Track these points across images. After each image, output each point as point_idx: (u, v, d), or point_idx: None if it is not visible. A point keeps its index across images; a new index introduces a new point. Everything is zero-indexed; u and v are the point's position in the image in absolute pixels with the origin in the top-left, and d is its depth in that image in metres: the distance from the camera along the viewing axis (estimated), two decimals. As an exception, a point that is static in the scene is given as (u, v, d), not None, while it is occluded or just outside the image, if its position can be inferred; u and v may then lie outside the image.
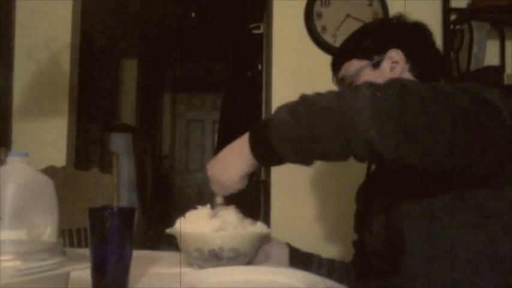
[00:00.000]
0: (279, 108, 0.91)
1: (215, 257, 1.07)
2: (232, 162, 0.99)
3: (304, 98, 0.88)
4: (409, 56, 1.18)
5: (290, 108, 0.88)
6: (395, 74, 1.17)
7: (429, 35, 1.21)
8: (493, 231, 0.92)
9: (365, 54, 1.20)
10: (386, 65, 1.18)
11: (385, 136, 0.77)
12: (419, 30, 1.21)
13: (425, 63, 1.20)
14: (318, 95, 0.88)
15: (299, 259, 1.25)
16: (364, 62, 1.20)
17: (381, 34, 1.22)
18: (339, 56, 1.26)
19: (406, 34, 1.21)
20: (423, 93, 0.81)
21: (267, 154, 0.93)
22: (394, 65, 1.18)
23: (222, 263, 1.06)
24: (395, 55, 1.18)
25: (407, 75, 1.18)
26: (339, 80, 1.25)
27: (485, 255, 0.92)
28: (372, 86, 0.83)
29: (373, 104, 0.79)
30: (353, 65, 1.21)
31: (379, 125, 0.77)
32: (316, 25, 2.33)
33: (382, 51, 1.19)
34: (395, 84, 0.83)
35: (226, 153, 1.01)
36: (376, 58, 1.19)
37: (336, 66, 1.27)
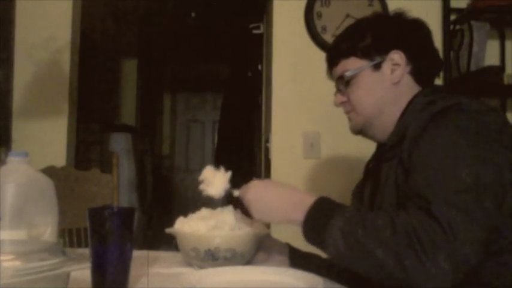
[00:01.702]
0: (333, 226, 0.92)
1: (211, 257, 1.08)
2: (283, 215, 1.01)
3: (356, 239, 0.88)
4: (411, 59, 1.14)
5: (346, 240, 0.89)
6: (396, 77, 1.14)
7: (429, 33, 1.18)
8: (497, 245, 0.93)
9: (365, 54, 1.15)
10: (387, 67, 1.14)
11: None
12: (421, 29, 1.18)
13: (426, 65, 1.17)
14: (375, 230, 0.87)
15: (299, 259, 1.24)
16: (364, 62, 1.15)
17: (382, 33, 1.17)
18: (337, 52, 1.20)
19: (409, 35, 1.16)
20: (470, 235, 0.84)
21: (316, 245, 0.97)
22: (394, 67, 1.14)
23: (219, 263, 1.06)
24: (397, 57, 1.14)
25: (407, 79, 1.15)
26: (338, 79, 1.20)
27: (488, 269, 0.92)
28: (427, 240, 0.83)
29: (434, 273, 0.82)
30: (352, 64, 1.16)
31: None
32: (316, 25, 2.33)
33: (384, 52, 1.14)
34: (442, 238, 0.83)
35: (282, 204, 1.02)
36: (377, 59, 1.15)
37: (332, 62, 1.22)
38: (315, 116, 2.29)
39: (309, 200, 0.97)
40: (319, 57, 2.29)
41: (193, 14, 4.75)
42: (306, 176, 2.27)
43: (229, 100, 4.62)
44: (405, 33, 1.16)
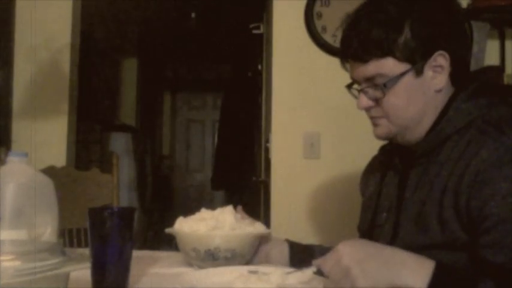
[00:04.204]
0: None
1: (211, 257, 1.08)
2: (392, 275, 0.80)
3: None
4: (454, 60, 0.98)
5: None
6: (439, 84, 0.99)
7: (464, 19, 1.04)
8: None
9: (406, 55, 0.97)
10: (429, 71, 0.98)
11: None
12: (461, 17, 1.02)
13: (466, 62, 1.03)
14: None
15: (300, 252, 1.21)
16: (404, 66, 0.97)
17: (426, 28, 0.97)
18: (367, 47, 0.98)
19: (454, 30, 1.00)
20: None
21: None
22: (437, 69, 0.98)
23: (219, 263, 1.07)
24: (441, 59, 0.97)
25: (447, 82, 1.00)
26: (365, 79, 1.02)
27: None
28: None
29: None
30: (388, 67, 0.98)
31: None
32: (316, 25, 2.33)
33: (428, 53, 0.97)
34: None
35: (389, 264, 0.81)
36: (419, 61, 0.97)
37: (361, 58, 1.00)
38: (315, 116, 2.29)
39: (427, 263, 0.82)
40: (319, 57, 2.32)
41: (193, 15, 4.75)
42: (306, 176, 2.27)
43: (229, 100, 4.62)
44: (448, 27, 0.99)
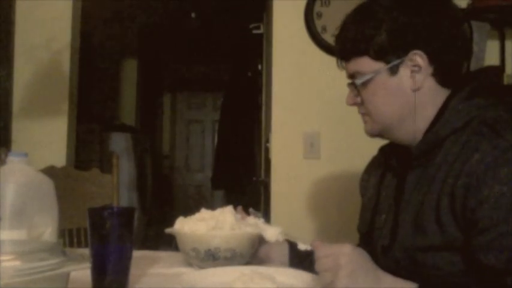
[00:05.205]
0: None
1: (211, 257, 1.08)
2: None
3: None
4: (434, 59, 0.99)
5: None
6: (416, 83, 0.99)
7: (458, 19, 1.03)
8: None
9: (380, 55, 1.00)
10: (405, 70, 0.99)
11: None
12: (448, 18, 1.01)
13: (451, 63, 1.01)
14: None
15: (300, 252, 1.21)
16: (378, 65, 1.00)
17: (399, 28, 0.99)
18: (346, 47, 1.04)
19: (432, 29, 0.99)
20: None
21: None
22: (415, 69, 0.99)
23: (219, 263, 1.07)
24: (417, 59, 0.99)
25: (430, 82, 1.00)
26: (350, 77, 1.07)
27: None
28: None
29: None
30: (364, 65, 1.01)
31: None
32: (316, 25, 2.33)
33: (402, 52, 0.99)
34: None
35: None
36: (394, 61, 0.99)
37: (345, 57, 1.06)
38: (315, 116, 2.29)
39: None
40: (319, 57, 2.32)
41: (193, 14, 4.75)
42: (306, 176, 2.27)
43: (229, 100, 4.62)
44: (428, 28, 0.99)
